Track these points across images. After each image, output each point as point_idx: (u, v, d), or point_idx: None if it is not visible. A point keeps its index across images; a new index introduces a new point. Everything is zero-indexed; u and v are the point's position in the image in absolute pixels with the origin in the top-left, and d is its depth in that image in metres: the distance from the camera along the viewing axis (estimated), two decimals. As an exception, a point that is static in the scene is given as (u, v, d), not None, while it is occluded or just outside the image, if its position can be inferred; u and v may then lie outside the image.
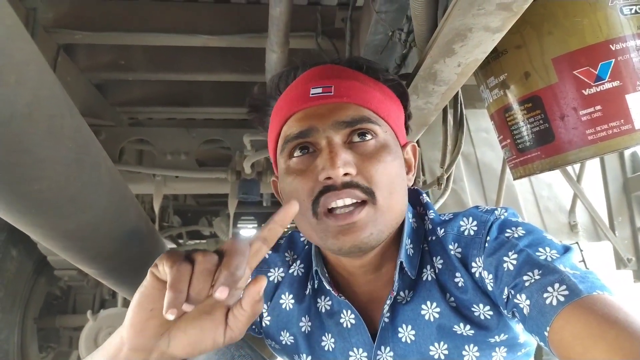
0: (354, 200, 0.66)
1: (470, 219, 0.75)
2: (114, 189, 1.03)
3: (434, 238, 0.77)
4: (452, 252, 0.74)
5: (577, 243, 2.12)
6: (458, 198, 2.01)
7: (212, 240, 3.54)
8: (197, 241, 4.12)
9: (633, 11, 0.90)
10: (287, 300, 0.83)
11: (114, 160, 2.18)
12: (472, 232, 0.73)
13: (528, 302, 0.60)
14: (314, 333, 0.81)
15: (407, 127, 0.83)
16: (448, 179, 1.22)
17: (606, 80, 0.88)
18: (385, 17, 1.26)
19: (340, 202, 0.66)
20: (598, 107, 0.88)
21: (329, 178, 0.66)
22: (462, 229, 0.74)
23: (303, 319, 0.82)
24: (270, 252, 0.87)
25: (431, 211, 0.81)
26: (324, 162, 0.66)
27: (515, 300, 0.62)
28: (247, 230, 5.32)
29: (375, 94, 0.73)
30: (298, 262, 0.85)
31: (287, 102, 0.74)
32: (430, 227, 0.79)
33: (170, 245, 3.83)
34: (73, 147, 0.80)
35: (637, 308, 0.55)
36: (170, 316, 0.46)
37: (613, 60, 0.88)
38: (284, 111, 0.73)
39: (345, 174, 0.65)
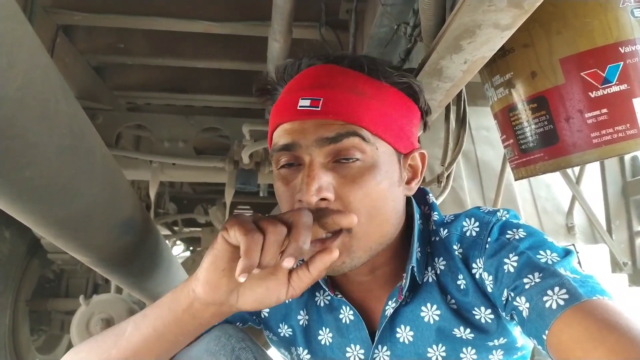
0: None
1: (473, 219, 0.74)
2: (108, 176, 1.01)
3: (437, 239, 0.76)
4: (456, 253, 0.73)
5: (573, 245, 2.12)
6: (456, 196, 2.00)
7: (208, 229, 3.53)
8: (192, 229, 4.10)
9: (646, 14, 0.89)
10: None
11: (110, 144, 2.17)
12: (474, 233, 0.72)
13: (527, 304, 0.60)
14: (311, 327, 0.81)
15: (425, 124, 0.81)
16: (448, 177, 1.20)
17: (614, 83, 0.87)
18: (391, 10, 1.24)
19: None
20: (604, 111, 0.87)
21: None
22: (464, 230, 0.74)
23: (301, 312, 0.82)
24: None
25: (435, 213, 0.80)
26: (300, 184, 0.66)
27: (515, 303, 0.62)
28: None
29: (372, 105, 0.68)
30: None
31: (279, 108, 0.71)
32: (434, 228, 0.78)
33: (164, 232, 3.82)
34: (67, 133, 0.77)
35: (637, 313, 0.55)
36: (242, 279, 0.52)
37: (622, 63, 0.86)
38: (275, 118, 0.71)
39: (323, 199, 0.64)
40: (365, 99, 0.68)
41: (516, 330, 0.71)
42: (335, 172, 0.66)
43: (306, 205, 0.64)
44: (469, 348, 0.71)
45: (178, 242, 4.59)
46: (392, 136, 0.70)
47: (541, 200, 2.12)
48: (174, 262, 1.71)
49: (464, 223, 0.74)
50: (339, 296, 0.76)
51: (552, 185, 2.13)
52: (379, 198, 0.67)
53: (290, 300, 0.82)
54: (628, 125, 0.86)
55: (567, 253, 0.65)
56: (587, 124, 0.88)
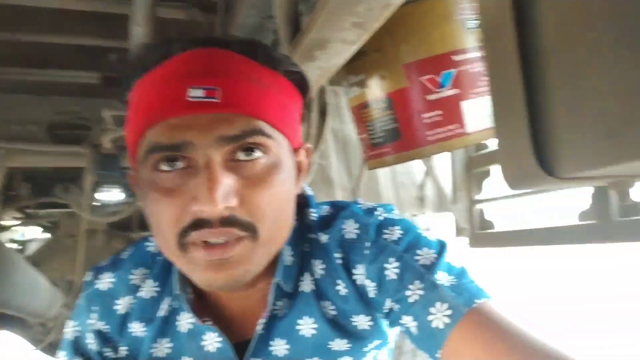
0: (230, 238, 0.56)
1: (352, 221, 0.70)
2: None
3: (315, 237, 0.70)
4: (337, 260, 0.68)
5: (424, 214, 2.38)
6: (325, 174, 2.09)
7: (66, 214, 3.24)
8: (50, 210, 3.69)
9: (476, 25, 1.00)
10: (138, 329, 0.72)
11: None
12: (354, 236, 0.68)
13: (415, 323, 0.60)
14: (172, 355, 0.70)
15: (304, 117, 0.72)
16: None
17: (447, 87, 0.99)
18: (255, 2, 1.26)
19: (214, 239, 0.55)
20: (439, 112, 0.99)
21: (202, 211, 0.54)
22: (343, 233, 0.69)
23: (154, 344, 0.70)
24: (113, 276, 0.73)
25: (313, 210, 0.73)
26: (199, 190, 0.54)
27: (402, 321, 0.62)
28: (109, 194, 4.93)
29: (273, 96, 0.60)
30: (150, 281, 0.72)
31: (157, 99, 0.57)
32: (312, 225, 0.71)
33: (16, 216, 3.45)
34: None
35: (513, 314, 0.59)
36: None
37: (454, 70, 0.99)
38: (151, 111, 0.57)
39: (226, 207, 0.54)
40: (265, 88, 0.59)
41: (385, 325, 0.71)
42: (235, 173, 0.56)
43: (208, 217, 0.54)
44: (345, 357, 0.69)
45: (33, 226, 4.13)
46: (290, 130, 0.63)
47: (399, 175, 2.33)
48: (19, 268, 1.59)
49: (343, 226, 0.70)
50: (208, 323, 0.67)
51: (408, 160, 2.34)
52: (284, 199, 0.60)
53: (144, 333, 0.71)
54: (457, 125, 1.00)
55: (442, 248, 0.65)
56: (424, 123, 1.00)
